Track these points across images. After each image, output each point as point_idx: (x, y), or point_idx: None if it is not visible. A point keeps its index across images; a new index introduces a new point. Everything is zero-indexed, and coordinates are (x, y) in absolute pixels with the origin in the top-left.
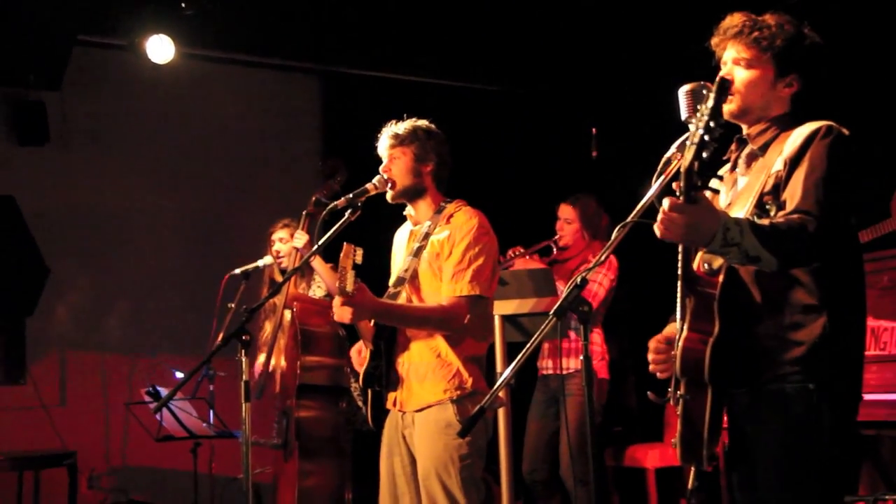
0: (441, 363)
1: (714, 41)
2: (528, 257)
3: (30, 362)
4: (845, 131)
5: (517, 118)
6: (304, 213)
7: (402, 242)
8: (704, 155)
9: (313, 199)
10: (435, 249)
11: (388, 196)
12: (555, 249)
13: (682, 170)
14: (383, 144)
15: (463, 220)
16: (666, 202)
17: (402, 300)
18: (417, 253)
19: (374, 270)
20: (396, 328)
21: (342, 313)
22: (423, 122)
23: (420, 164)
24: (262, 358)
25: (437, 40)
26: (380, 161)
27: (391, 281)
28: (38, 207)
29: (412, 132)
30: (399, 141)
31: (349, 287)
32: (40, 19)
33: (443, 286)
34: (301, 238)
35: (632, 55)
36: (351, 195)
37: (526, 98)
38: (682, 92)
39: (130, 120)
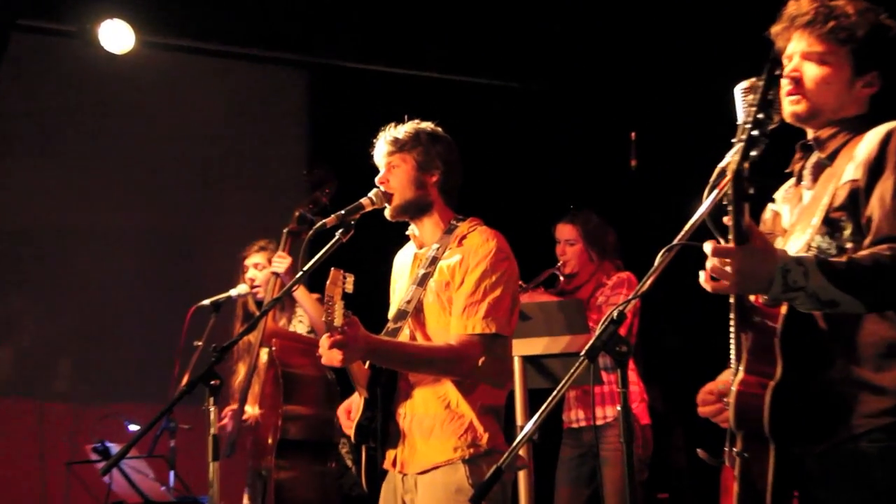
0: (451, 415)
1: (776, 29)
2: (531, 292)
3: None
4: None
5: (539, 121)
6: (285, 231)
7: (404, 268)
8: (754, 154)
9: (297, 214)
10: (444, 277)
11: (387, 212)
12: (561, 278)
13: (728, 173)
14: (380, 151)
15: (478, 243)
16: (708, 248)
17: (403, 338)
18: (423, 281)
19: (371, 302)
20: (396, 372)
21: (331, 356)
22: (428, 125)
23: (423, 173)
24: (234, 407)
25: (444, 28)
26: (378, 170)
27: (390, 314)
28: None
29: (414, 136)
30: (398, 146)
31: (338, 321)
32: None
33: (452, 321)
34: (281, 262)
35: (679, 46)
36: (343, 211)
37: (550, 97)
38: (740, 90)
39: (79, 120)
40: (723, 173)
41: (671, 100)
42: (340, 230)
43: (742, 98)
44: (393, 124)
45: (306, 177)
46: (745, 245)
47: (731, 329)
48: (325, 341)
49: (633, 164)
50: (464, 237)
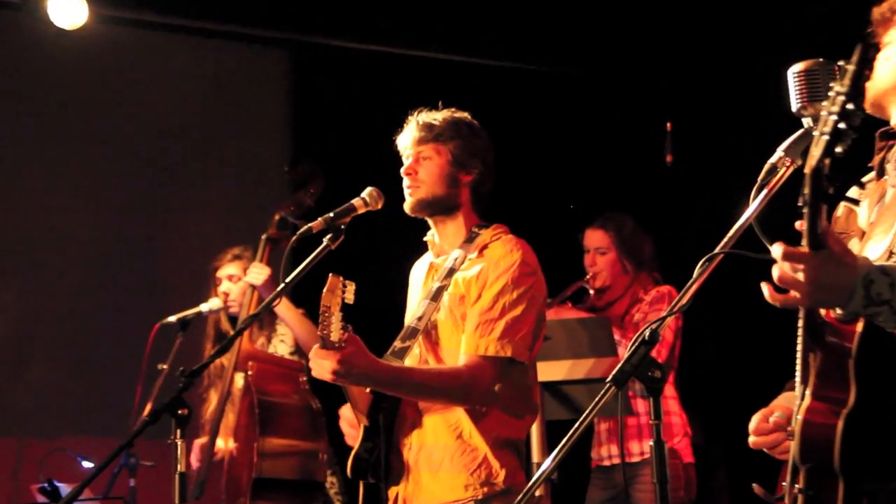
0: (462, 447)
1: (881, 11)
2: (556, 308)
3: None
4: None
5: (562, 111)
6: (263, 237)
7: (418, 280)
8: (839, 150)
9: (276, 217)
10: (459, 290)
11: (407, 204)
12: (591, 292)
13: (806, 172)
14: (409, 137)
15: (500, 254)
16: (777, 250)
17: (411, 359)
18: (437, 295)
19: (376, 319)
20: (400, 398)
21: (320, 367)
22: (465, 115)
23: (458, 169)
24: (204, 440)
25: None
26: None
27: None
28: None
29: (452, 126)
30: (434, 135)
31: (335, 335)
32: None
33: (463, 340)
34: (259, 273)
35: (721, 24)
36: (331, 214)
37: (574, 82)
38: (794, 73)
39: (22, 104)
40: (773, 170)
41: (712, 85)
42: (329, 236)
43: (796, 82)
44: (424, 109)
45: (288, 174)
46: (822, 251)
47: (798, 348)
48: (318, 351)
49: (669, 160)
50: (485, 246)
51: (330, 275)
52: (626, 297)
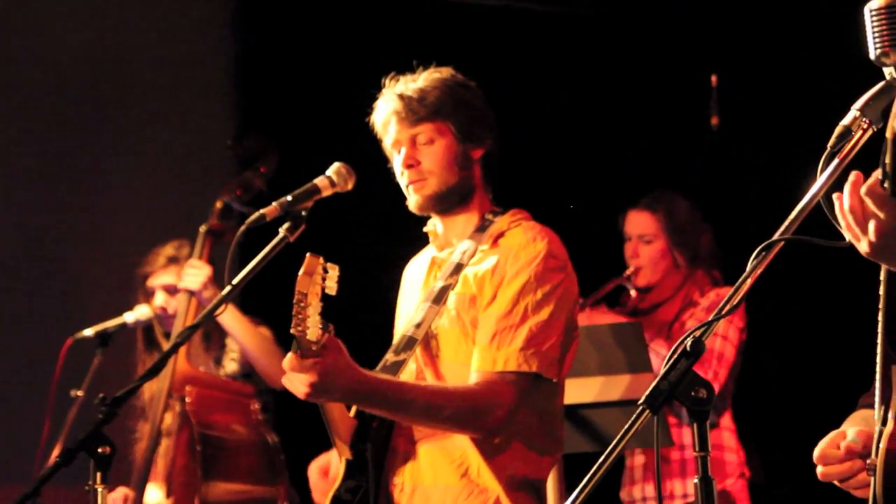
0: (469, 489)
1: None
2: (588, 311)
3: None
4: None
5: (579, 63)
6: (202, 229)
7: (415, 279)
8: None
9: (219, 205)
10: (469, 290)
11: (414, 202)
12: (631, 292)
13: (888, 137)
14: (395, 117)
15: (520, 243)
16: (854, 177)
17: (406, 375)
18: (440, 297)
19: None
20: (392, 423)
21: (294, 381)
22: (452, 74)
23: (468, 146)
24: (127, 491)
25: None
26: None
27: (394, 342)
28: None
29: (449, 92)
30: (431, 110)
31: (312, 333)
32: None
33: (476, 353)
34: (196, 274)
35: None
36: (289, 198)
37: (595, 26)
38: (873, 10)
39: None
40: (846, 134)
41: (767, 28)
42: (286, 225)
43: (878, 20)
44: (396, 76)
45: (233, 149)
46: None
47: (878, 362)
48: (291, 360)
49: (715, 123)
50: (501, 235)
51: (307, 255)
52: (676, 299)
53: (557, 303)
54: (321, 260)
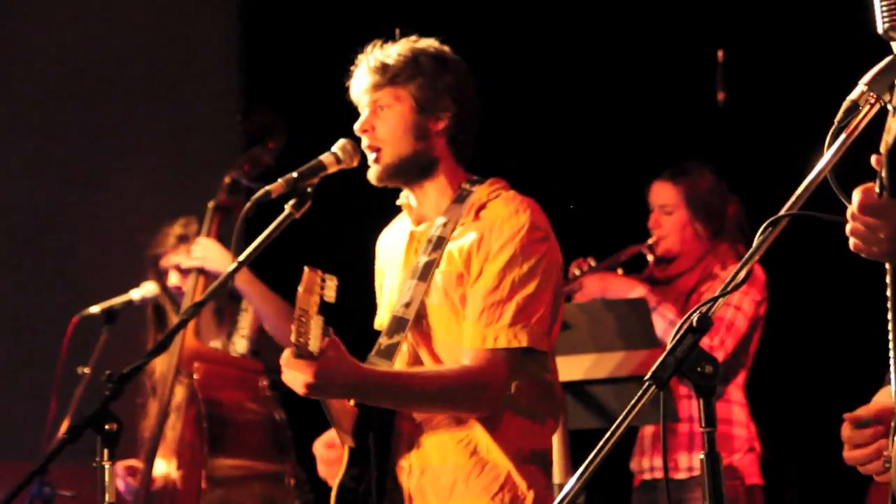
0: (479, 466)
1: None
2: (601, 274)
3: None
4: None
5: (581, 36)
6: (211, 205)
7: (394, 254)
8: None
9: (227, 180)
10: (455, 267)
11: (372, 174)
12: (650, 260)
13: (891, 122)
14: (360, 84)
15: (503, 215)
16: (856, 197)
17: (401, 357)
18: (425, 273)
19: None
20: (393, 410)
21: (293, 378)
22: (429, 43)
23: (426, 116)
24: (133, 463)
25: None
26: (348, 112)
27: (378, 321)
28: None
29: (411, 61)
30: (388, 77)
31: (314, 344)
32: None
33: (466, 331)
34: (206, 250)
35: None
36: (295, 174)
37: (606, 3)
38: None
39: None
40: (854, 109)
41: (774, 4)
42: (292, 202)
43: None
44: (377, 43)
45: (241, 125)
46: None
47: (891, 338)
48: (290, 360)
49: (721, 98)
50: (482, 207)
51: (305, 269)
52: (696, 269)
53: (543, 274)
54: (319, 273)
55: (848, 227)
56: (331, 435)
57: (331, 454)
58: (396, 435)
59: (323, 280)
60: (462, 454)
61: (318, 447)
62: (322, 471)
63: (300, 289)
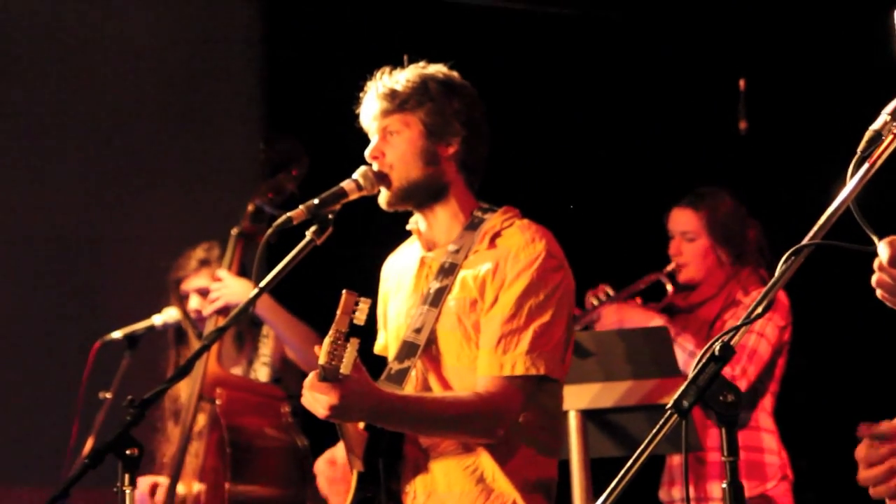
0: (485, 494)
1: None
2: (619, 304)
3: None
4: None
5: (605, 67)
6: (234, 232)
7: (401, 279)
8: None
9: (251, 208)
10: (469, 294)
11: (383, 198)
12: (670, 289)
13: None
14: (370, 111)
15: (519, 244)
16: (885, 250)
17: (410, 383)
18: (436, 300)
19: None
20: (402, 435)
21: (315, 401)
22: (438, 69)
23: (435, 141)
24: (158, 481)
25: None
26: (368, 139)
27: (378, 346)
28: None
29: (420, 87)
30: (397, 103)
31: (346, 368)
32: None
33: (481, 358)
34: (225, 286)
35: None
36: (316, 201)
37: (628, 32)
38: None
39: None
40: (876, 138)
41: (796, 31)
42: (313, 228)
43: None
44: (387, 70)
45: (264, 153)
46: None
47: None
48: (315, 383)
49: (743, 127)
50: (497, 234)
51: (344, 292)
52: (718, 297)
53: (558, 302)
54: (355, 295)
55: (874, 278)
56: (333, 453)
57: (334, 472)
58: (403, 460)
59: (356, 303)
60: (468, 481)
61: (320, 464)
62: (324, 488)
63: (339, 312)
